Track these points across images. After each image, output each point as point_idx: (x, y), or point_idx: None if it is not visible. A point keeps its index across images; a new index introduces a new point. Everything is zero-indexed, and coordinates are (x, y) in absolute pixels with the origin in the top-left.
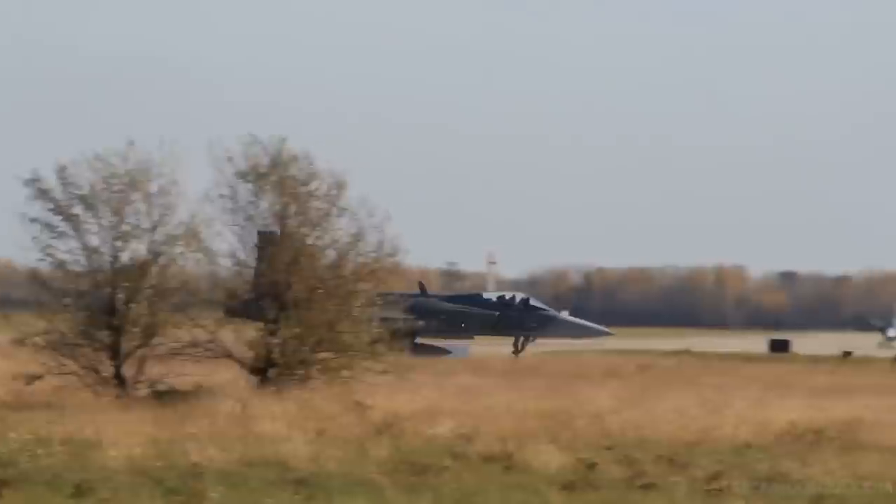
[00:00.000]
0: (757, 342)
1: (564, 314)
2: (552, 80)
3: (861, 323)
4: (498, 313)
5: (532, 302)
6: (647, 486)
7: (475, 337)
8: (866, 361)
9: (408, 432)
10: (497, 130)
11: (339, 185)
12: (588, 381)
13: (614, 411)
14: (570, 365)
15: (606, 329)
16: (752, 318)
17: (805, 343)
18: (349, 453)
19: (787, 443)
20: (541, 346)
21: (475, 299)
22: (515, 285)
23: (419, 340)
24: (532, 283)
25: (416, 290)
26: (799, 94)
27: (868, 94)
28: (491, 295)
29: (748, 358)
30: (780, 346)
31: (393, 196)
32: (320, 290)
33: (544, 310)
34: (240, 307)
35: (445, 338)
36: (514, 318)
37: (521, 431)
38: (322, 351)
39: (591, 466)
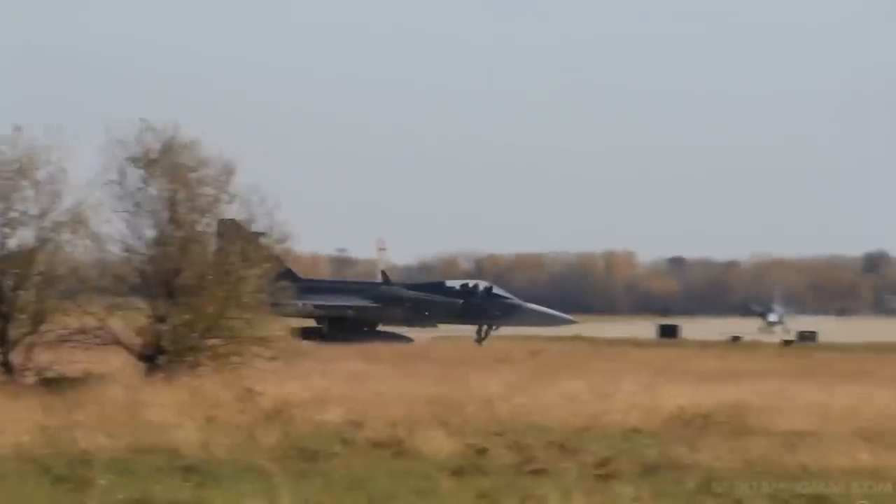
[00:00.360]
0: (646, 327)
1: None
2: (437, 68)
3: (743, 308)
4: (462, 301)
5: (495, 290)
6: (537, 472)
7: (438, 325)
8: (754, 346)
9: (297, 419)
10: (387, 118)
11: (229, 172)
12: (478, 367)
13: (504, 397)
14: (460, 351)
15: (570, 317)
16: (642, 303)
17: (694, 328)
18: (239, 440)
19: (676, 428)
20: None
21: (438, 287)
22: (406, 272)
23: (381, 328)
24: (423, 270)
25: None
26: (682, 85)
27: (751, 78)
28: (454, 283)
29: (637, 343)
30: (668, 332)
31: (283, 183)
32: (210, 277)
33: (508, 298)
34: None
35: (409, 326)
36: (478, 306)
37: (411, 417)
38: (212, 337)
39: (482, 452)
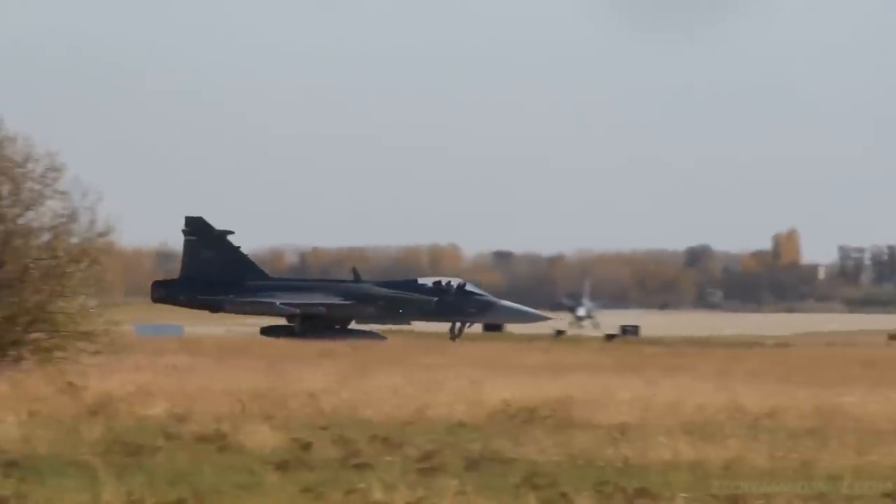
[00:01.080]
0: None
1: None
2: (262, 59)
3: (553, 303)
4: (436, 299)
5: (468, 287)
6: (362, 466)
7: (412, 322)
8: (578, 340)
9: (121, 413)
10: (211, 109)
11: (55, 167)
12: (302, 361)
13: (328, 391)
14: (284, 345)
15: (543, 314)
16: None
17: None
18: (61, 435)
19: (501, 422)
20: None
21: (410, 285)
22: None
23: (353, 326)
24: None
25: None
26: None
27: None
28: (426, 280)
29: (463, 337)
30: (493, 325)
31: (106, 176)
32: (33, 271)
33: (482, 295)
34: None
35: (382, 323)
36: (453, 303)
37: (236, 412)
38: (35, 332)
39: (306, 446)
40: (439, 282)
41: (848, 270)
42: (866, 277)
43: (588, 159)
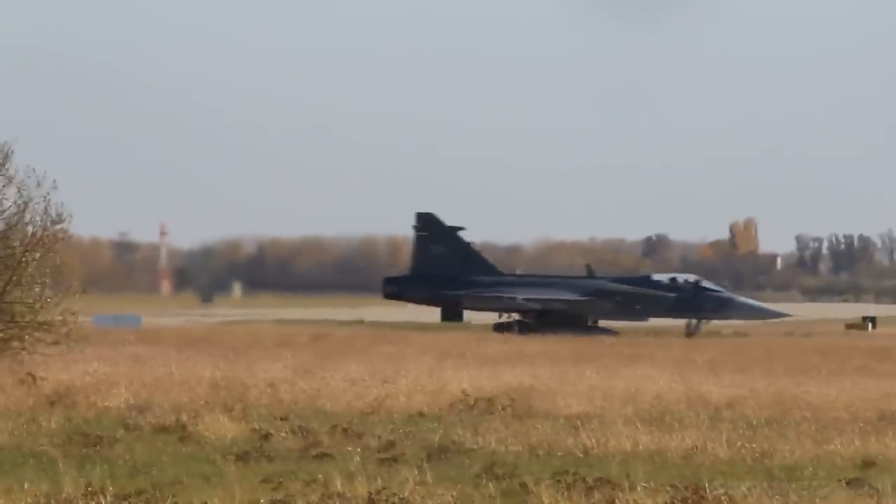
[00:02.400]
0: (430, 311)
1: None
2: (216, 51)
3: None
4: (674, 295)
5: (703, 284)
6: (322, 456)
7: (648, 319)
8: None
9: (80, 404)
10: (172, 97)
11: (5, 155)
12: (262, 351)
13: (288, 381)
14: (244, 335)
15: (783, 311)
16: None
17: (477, 312)
18: (21, 426)
19: (460, 411)
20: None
21: (645, 281)
22: (189, 256)
23: (590, 322)
24: (206, 254)
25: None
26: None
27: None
28: (661, 277)
29: (421, 327)
30: (453, 315)
31: (61, 164)
32: None
33: (718, 292)
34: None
35: (617, 320)
36: (691, 300)
37: (195, 402)
38: None
39: (266, 437)
40: (674, 278)
41: (805, 260)
42: (824, 267)
43: (546, 151)
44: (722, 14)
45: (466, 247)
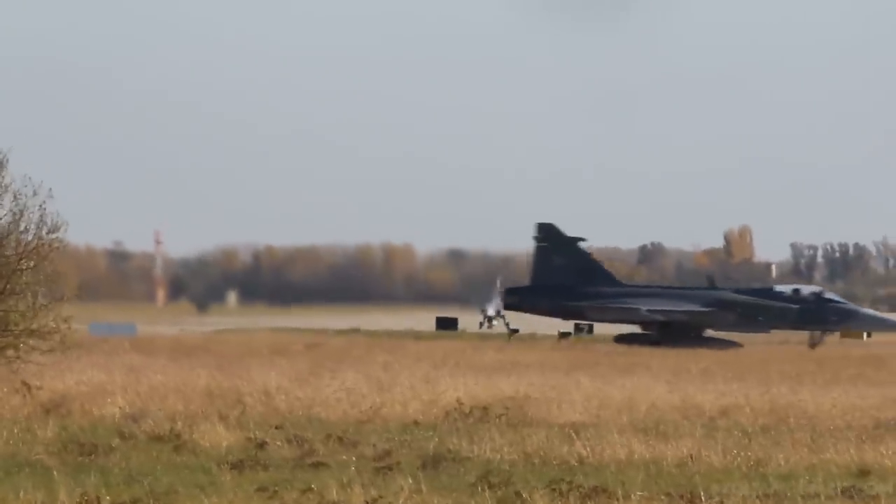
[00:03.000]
0: (425, 320)
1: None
2: (207, 58)
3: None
4: (797, 307)
5: (827, 295)
6: (317, 465)
7: (770, 331)
8: (532, 339)
9: (75, 412)
10: (166, 105)
11: (0, 164)
12: (257, 360)
13: (284, 390)
14: (239, 344)
15: None
16: (421, 295)
17: (473, 320)
18: (15, 434)
19: (455, 420)
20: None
21: (767, 292)
22: (184, 265)
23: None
24: (201, 262)
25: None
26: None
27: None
28: (783, 288)
29: (417, 336)
30: (447, 324)
31: (57, 172)
32: None
33: (842, 303)
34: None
35: (739, 331)
36: (814, 311)
37: (191, 411)
38: None
39: (261, 445)
40: (798, 289)
41: (800, 268)
42: (819, 275)
43: (539, 158)
44: (719, 20)
45: (587, 257)
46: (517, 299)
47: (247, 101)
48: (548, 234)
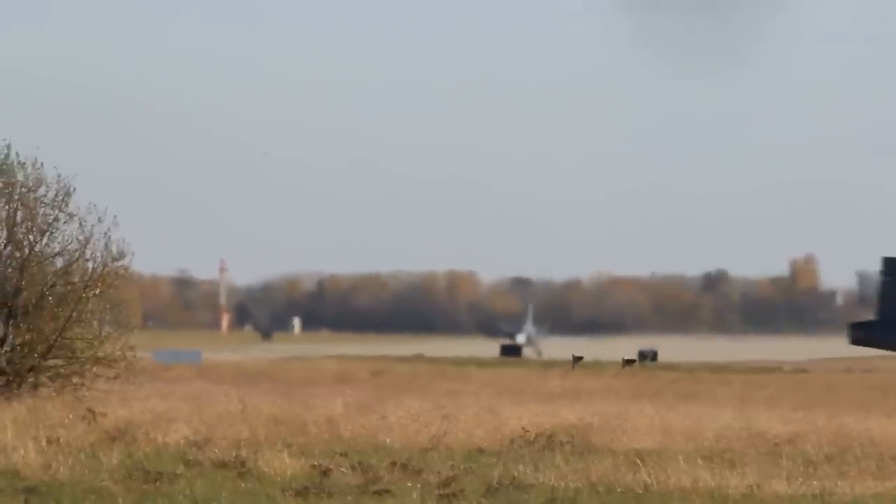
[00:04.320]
0: (489, 347)
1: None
2: (273, 86)
3: (489, 328)
4: None
5: None
6: (381, 492)
7: None
8: (596, 366)
9: (140, 439)
10: (229, 135)
11: (67, 192)
12: (321, 387)
13: (348, 417)
14: (304, 371)
15: None
16: (485, 323)
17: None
18: (81, 461)
19: (520, 447)
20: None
21: None
22: (248, 293)
23: None
24: (266, 290)
25: None
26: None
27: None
28: None
29: (481, 363)
30: (511, 351)
31: (122, 201)
32: (49, 297)
33: None
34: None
35: None
36: None
37: (255, 438)
38: (52, 358)
39: (325, 473)
40: None
41: (866, 296)
42: None
43: (602, 184)
44: (784, 39)
45: None
46: (865, 334)
47: (311, 130)
48: (894, 268)
